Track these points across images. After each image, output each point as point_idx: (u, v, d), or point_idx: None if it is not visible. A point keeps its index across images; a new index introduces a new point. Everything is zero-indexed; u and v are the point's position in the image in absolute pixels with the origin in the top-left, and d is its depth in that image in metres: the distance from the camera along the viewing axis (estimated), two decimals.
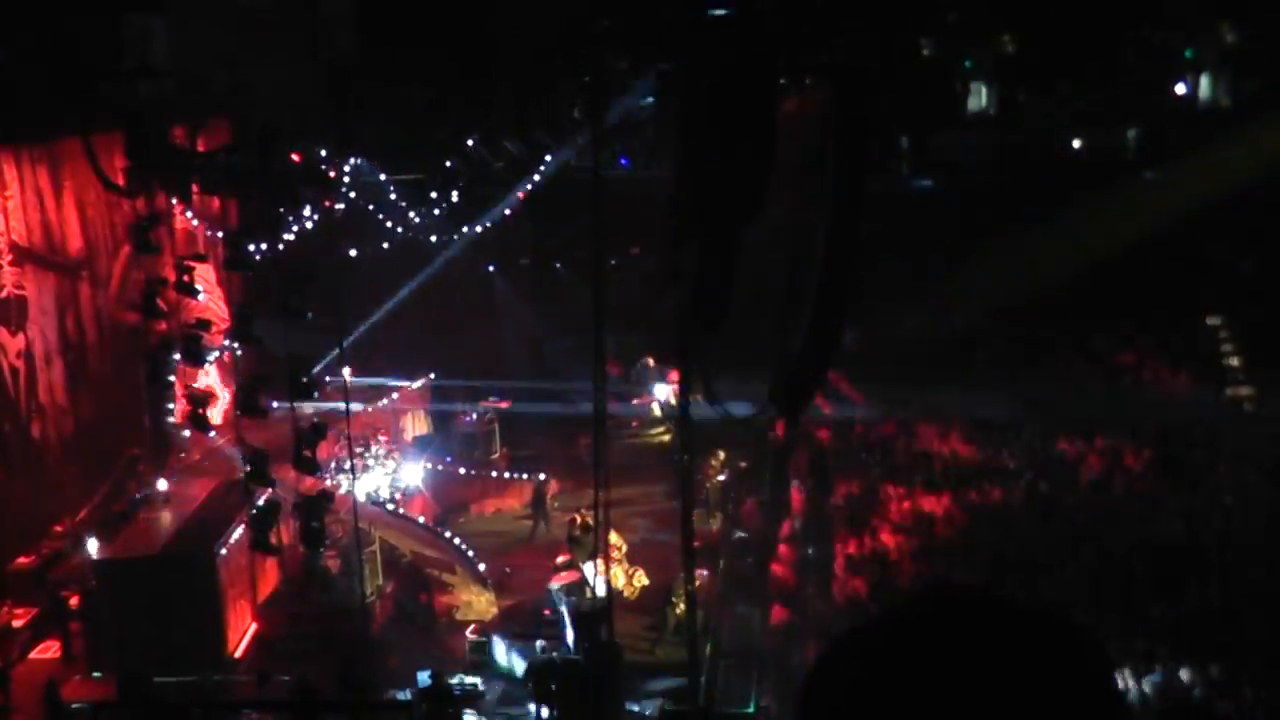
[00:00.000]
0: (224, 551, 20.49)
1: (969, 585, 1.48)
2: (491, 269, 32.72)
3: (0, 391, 22.04)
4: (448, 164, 23.96)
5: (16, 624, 20.87)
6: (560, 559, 22.37)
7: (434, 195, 24.78)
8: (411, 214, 25.05)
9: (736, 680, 19.50)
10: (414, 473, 25.84)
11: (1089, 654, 1.41)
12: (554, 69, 21.54)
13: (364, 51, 26.30)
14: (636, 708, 18.72)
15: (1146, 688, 16.00)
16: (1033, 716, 1.34)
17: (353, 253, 25.77)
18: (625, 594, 21.32)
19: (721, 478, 26.65)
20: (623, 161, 24.49)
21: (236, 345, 22.40)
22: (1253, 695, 15.73)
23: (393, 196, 24.92)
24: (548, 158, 24.24)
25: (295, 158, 20.87)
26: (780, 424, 26.40)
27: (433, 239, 26.99)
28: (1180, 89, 32.02)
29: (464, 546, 23.13)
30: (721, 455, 26.69)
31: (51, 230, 23.32)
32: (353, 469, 21.60)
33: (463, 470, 27.78)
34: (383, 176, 23.96)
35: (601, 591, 18.57)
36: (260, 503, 19.96)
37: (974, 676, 1.35)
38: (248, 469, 19.85)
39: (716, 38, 9.19)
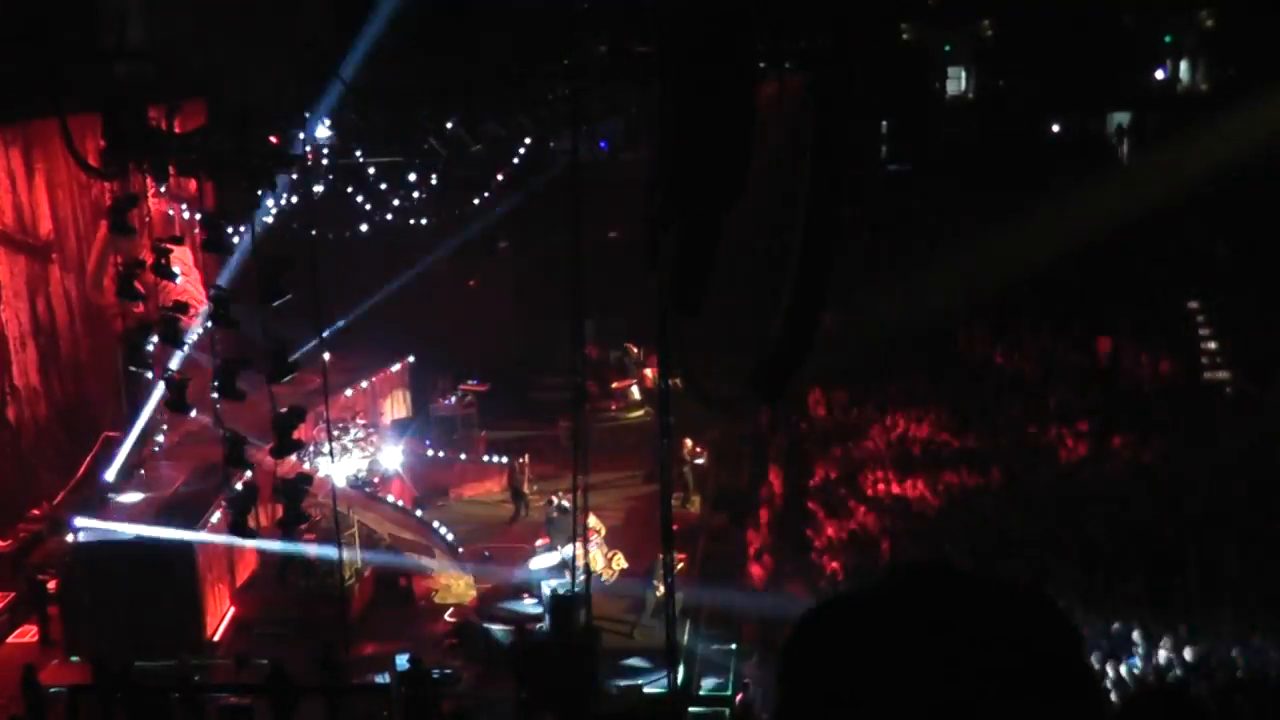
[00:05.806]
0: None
1: (945, 562, 1.48)
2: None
3: None
4: (426, 146, 23.83)
5: None
6: (539, 542, 22.36)
7: (413, 177, 24.67)
8: (391, 197, 24.97)
9: (714, 662, 19.56)
10: (393, 456, 25.77)
11: (1060, 630, 1.42)
12: (533, 51, 21.47)
13: (340, 33, 26.14)
14: (615, 691, 18.74)
15: (1124, 670, 16.09)
16: (1004, 690, 1.34)
17: (330, 235, 25.66)
18: (604, 577, 21.32)
19: (700, 461, 26.66)
20: (602, 145, 24.45)
21: (214, 328, 22.25)
22: (1227, 679, 15.85)
23: (371, 178, 24.81)
24: (527, 140, 24.21)
25: (272, 140, 20.72)
26: (762, 408, 26.48)
27: (411, 221, 26.87)
28: (1159, 74, 32.18)
29: (443, 530, 23.11)
30: (701, 439, 26.70)
31: (23, 212, 23.15)
32: (331, 452, 21.53)
33: (441, 454, 27.76)
34: (361, 158, 23.84)
35: (580, 575, 18.57)
36: (238, 486, 19.88)
37: (947, 649, 1.35)
38: (226, 452, 19.73)
39: (697, 20, 9.17)
